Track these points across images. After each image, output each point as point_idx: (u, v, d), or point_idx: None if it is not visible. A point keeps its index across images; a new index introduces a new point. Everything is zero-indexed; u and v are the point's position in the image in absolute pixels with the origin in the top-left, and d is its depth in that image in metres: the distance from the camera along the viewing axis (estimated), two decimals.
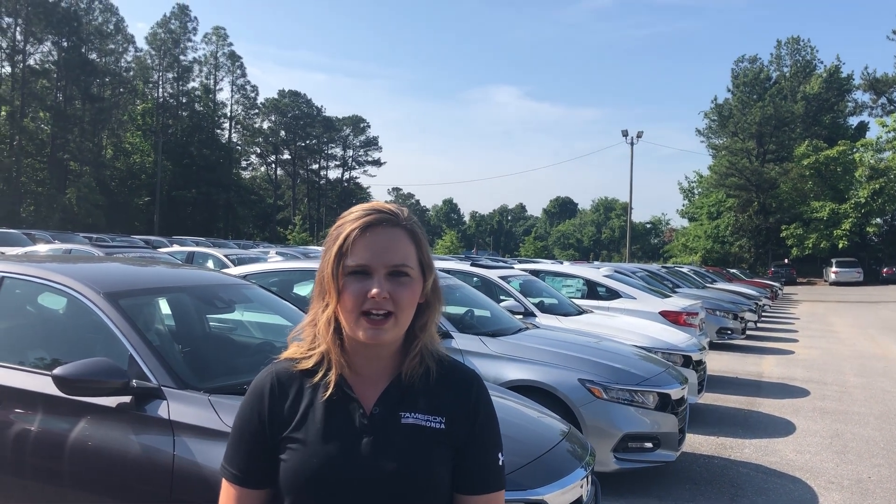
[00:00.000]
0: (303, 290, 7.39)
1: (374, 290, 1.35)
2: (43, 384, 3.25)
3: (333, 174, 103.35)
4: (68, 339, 4.01)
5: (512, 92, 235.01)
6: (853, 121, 70.09)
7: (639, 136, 51.67)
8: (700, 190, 73.88)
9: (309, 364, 1.44)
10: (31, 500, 3.25)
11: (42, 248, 15.79)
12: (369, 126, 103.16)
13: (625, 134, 51.71)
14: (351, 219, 1.42)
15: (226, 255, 15.18)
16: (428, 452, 1.41)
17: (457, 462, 1.45)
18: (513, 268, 11.59)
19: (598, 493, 3.96)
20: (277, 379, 1.46)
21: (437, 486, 1.41)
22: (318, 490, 1.36)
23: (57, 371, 3.01)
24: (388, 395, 1.44)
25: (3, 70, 61.48)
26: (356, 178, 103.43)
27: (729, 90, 73.18)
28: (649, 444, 5.72)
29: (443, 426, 1.43)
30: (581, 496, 3.48)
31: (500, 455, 1.51)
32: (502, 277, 9.43)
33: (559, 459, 3.59)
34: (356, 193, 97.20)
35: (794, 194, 59.77)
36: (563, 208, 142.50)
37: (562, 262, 23.76)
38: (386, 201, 1.50)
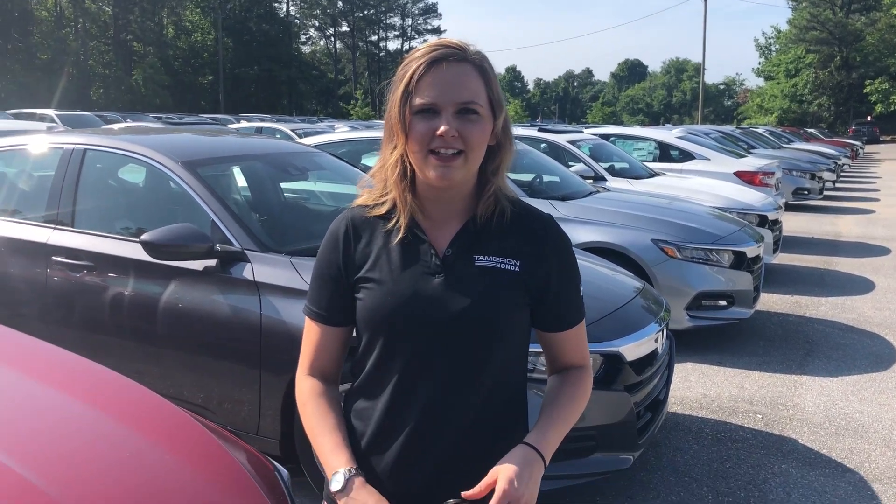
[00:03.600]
0: (370, 160, 7.40)
1: (443, 128, 1.30)
2: (133, 250, 3.40)
3: (393, 45, 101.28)
4: (150, 208, 4.14)
5: None
6: None
7: None
8: (778, 46, 69.93)
9: (382, 211, 1.43)
10: (131, 358, 3.47)
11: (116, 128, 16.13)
12: None
13: None
14: (417, 56, 1.36)
15: (292, 130, 15.28)
16: (502, 294, 1.39)
17: (540, 304, 1.45)
18: (582, 132, 11.34)
19: (672, 347, 4.01)
20: (353, 223, 1.46)
21: (512, 327, 1.41)
22: (393, 328, 1.38)
23: (144, 236, 3.13)
24: (461, 237, 1.42)
25: None
26: (416, 48, 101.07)
27: None
28: (723, 302, 5.71)
29: (518, 269, 1.41)
30: (656, 349, 3.52)
31: (580, 287, 1.53)
32: (571, 142, 9.25)
33: (634, 314, 3.61)
34: None
35: (882, 46, 56.06)
36: (631, 72, 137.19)
37: (632, 128, 23.13)
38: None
